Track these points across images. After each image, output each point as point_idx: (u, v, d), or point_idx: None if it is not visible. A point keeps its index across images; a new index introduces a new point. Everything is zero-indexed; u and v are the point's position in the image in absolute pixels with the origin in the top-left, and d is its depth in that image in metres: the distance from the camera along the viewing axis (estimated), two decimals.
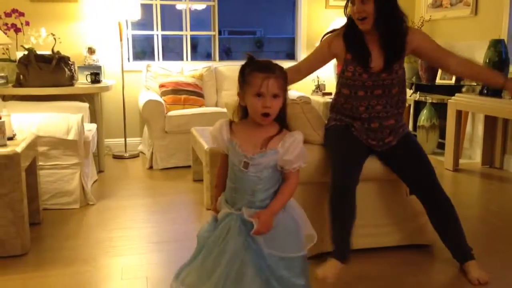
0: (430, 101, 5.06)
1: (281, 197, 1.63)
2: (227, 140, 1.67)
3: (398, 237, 2.72)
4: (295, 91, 5.16)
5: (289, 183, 1.64)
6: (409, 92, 5.14)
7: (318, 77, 5.49)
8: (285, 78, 1.62)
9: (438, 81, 5.08)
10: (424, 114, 5.12)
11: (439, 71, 5.09)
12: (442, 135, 4.86)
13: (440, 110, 5.02)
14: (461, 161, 4.62)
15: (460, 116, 4.49)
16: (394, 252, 2.70)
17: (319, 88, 5.46)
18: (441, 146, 4.95)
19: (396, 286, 2.38)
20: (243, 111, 1.68)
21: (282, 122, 1.67)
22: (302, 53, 5.69)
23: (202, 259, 1.68)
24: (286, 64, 5.90)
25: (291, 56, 5.95)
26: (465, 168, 4.56)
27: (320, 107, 4.94)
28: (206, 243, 1.69)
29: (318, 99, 5.13)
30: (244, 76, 1.63)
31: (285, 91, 1.63)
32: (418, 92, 5.14)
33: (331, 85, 5.48)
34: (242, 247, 1.60)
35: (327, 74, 5.55)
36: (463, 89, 4.75)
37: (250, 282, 1.58)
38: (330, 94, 5.31)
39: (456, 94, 4.52)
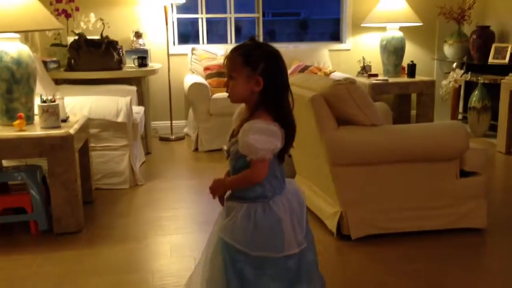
0: (482, 81, 4.88)
1: (237, 178, 1.56)
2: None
3: (448, 220, 2.66)
4: (339, 73, 5.09)
5: (247, 170, 1.52)
6: (459, 72, 4.97)
7: (363, 58, 5.39)
8: (245, 60, 1.50)
9: (491, 60, 4.89)
10: (475, 95, 4.94)
11: (492, 50, 4.89)
12: (494, 116, 4.68)
13: (492, 90, 4.83)
14: None
15: None
16: (444, 235, 2.65)
17: (364, 70, 5.35)
18: (493, 128, 4.78)
19: (444, 269, 2.33)
20: None
21: (270, 109, 1.53)
22: (348, 35, 5.59)
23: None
24: (331, 46, 5.77)
25: (335, 37, 5.85)
26: None
27: (366, 88, 4.85)
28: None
29: (363, 80, 5.04)
30: None
31: (244, 73, 1.50)
32: (469, 72, 4.96)
33: (378, 66, 5.37)
34: (217, 233, 1.62)
35: (373, 55, 5.44)
36: None
37: (211, 266, 1.60)
38: (376, 75, 5.20)
39: (510, 74, 4.34)
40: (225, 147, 1.62)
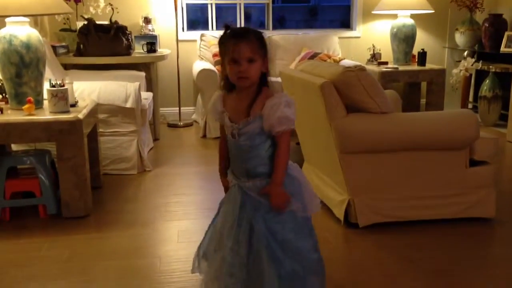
0: (493, 70, 4.82)
1: (278, 167, 1.62)
2: (221, 112, 1.69)
3: (457, 209, 2.65)
4: (349, 60, 5.05)
5: (279, 149, 1.62)
6: (470, 61, 4.92)
7: (373, 46, 5.34)
8: (261, 43, 1.60)
9: (503, 49, 4.82)
10: (486, 84, 4.89)
11: (504, 39, 4.82)
12: (505, 106, 4.63)
13: (503, 80, 4.78)
14: None
15: None
16: (452, 224, 2.64)
17: (374, 57, 5.30)
18: (504, 117, 4.73)
19: (452, 258, 2.33)
20: (229, 82, 1.66)
21: (268, 86, 1.65)
22: (358, 22, 5.53)
23: (215, 228, 1.76)
24: (341, 33, 5.71)
25: (346, 24, 5.79)
26: None
27: (376, 76, 4.81)
28: (221, 212, 1.75)
29: (373, 68, 5.00)
30: (221, 45, 1.64)
31: (261, 55, 1.59)
32: (481, 61, 4.91)
33: (388, 54, 5.32)
34: (245, 215, 1.64)
35: (384, 43, 5.38)
36: None
37: (254, 250, 1.63)
38: (386, 63, 5.16)
39: None
40: (233, 130, 1.64)
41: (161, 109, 4.90)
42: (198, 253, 1.85)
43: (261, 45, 1.59)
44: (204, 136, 4.61)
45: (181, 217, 2.84)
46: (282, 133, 1.58)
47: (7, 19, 2.77)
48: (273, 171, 1.62)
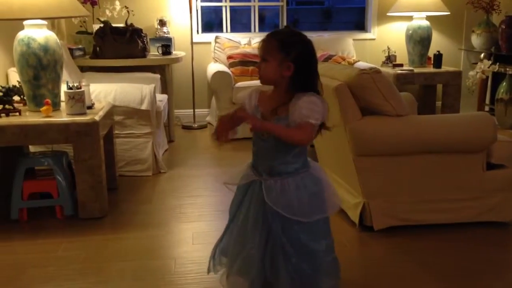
0: (510, 72, 4.76)
1: (279, 127, 1.61)
2: (254, 107, 1.72)
3: (473, 213, 2.62)
4: (363, 63, 5.03)
5: (294, 129, 1.60)
6: (487, 63, 4.87)
7: (388, 48, 5.31)
8: (280, 45, 1.59)
9: None
10: (503, 86, 4.83)
11: None
12: None
13: None
14: None
15: None
16: (468, 228, 2.61)
17: (389, 59, 5.28)
18: None
19: (467, 262, 2.30)
20: None
21: (303, 90, 1.62)
22: (373, 24, 5.51)
23: (232, 228, 1.80)
24: (356, 35, 5.70)
25: (360, 26, 5.77)
26: None
27: (391, 79, 4.78)
28: (243, 207, 1.77)
29: (388, 70, 4.97)
30: None
31: (277, 58, 1.60)
32: (497, 63, 4.85)
33: (403, 56, 5.29)
34: (262, 213, 1.67)
35: (399, 45, 5.35)
36: None
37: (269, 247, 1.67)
38: (401, 65, 5.13)
39: None
40: None
41: (175, 111, 4.92)
42: (213, 254, 1.88)
43: (280, 48, 1.60)
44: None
45: (196, 218, 2.85)
46: (302, 123, 1.57)
47: (25, 22, 2.80)
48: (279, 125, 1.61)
